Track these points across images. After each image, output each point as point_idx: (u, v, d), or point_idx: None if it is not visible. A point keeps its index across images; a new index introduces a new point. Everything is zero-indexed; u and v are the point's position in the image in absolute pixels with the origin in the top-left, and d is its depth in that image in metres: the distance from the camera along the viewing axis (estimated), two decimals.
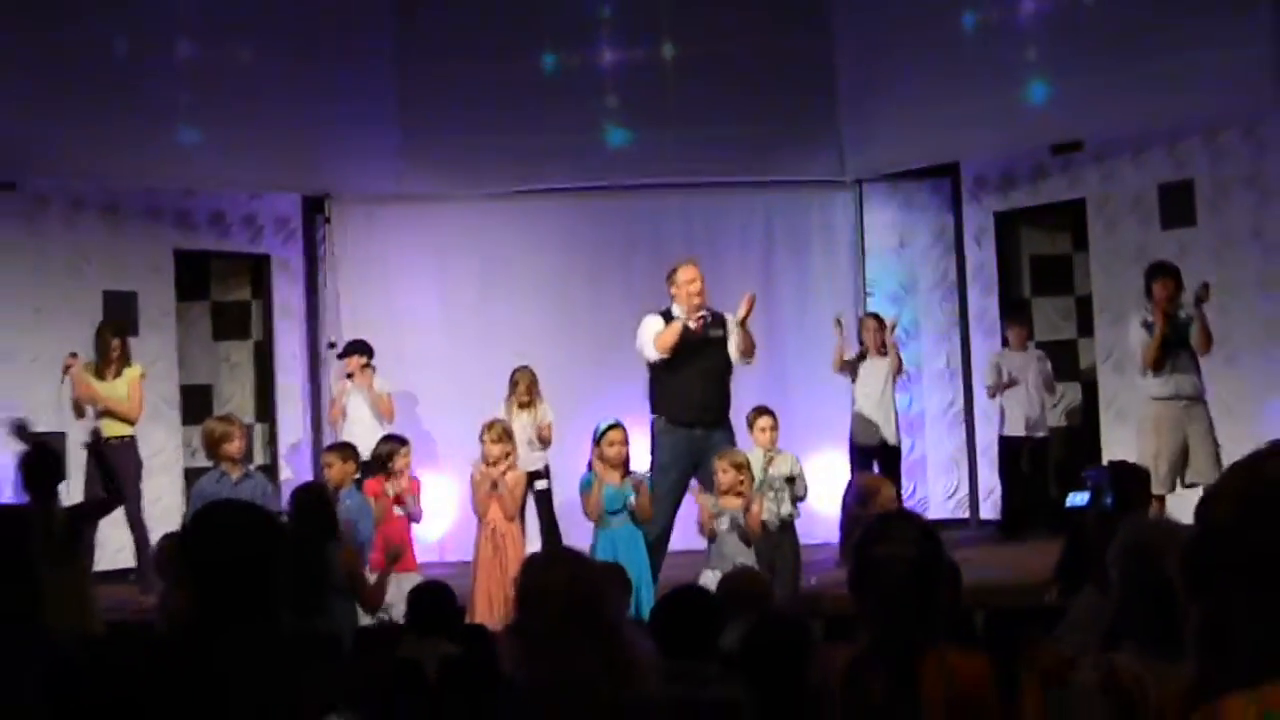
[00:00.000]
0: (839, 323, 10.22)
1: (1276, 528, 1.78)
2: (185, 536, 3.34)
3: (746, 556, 7.38)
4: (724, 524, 7.54)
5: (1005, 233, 11.52)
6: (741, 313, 8.32)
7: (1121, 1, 9.90)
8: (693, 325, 8.40)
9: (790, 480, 8.19)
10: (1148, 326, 8.71)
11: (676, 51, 11.19)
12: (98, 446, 7.68)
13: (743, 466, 7.58)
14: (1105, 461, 9.50)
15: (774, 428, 8.41)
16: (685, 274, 8.53)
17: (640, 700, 2.85)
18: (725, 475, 7.52)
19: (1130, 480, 7.90)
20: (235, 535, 3.11)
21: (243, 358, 11.71)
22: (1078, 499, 7.85)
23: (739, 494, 7.53)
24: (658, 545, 7.99)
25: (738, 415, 8.66)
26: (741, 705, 3.72)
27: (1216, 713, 1.75)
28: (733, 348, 8.49)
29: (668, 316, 8.53)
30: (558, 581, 2.87)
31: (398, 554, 7.50)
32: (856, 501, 5.99)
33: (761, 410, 8.56)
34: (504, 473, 8.00)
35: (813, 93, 11.29)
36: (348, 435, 9.33)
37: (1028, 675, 3.38)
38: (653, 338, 8.48)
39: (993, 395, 10.79)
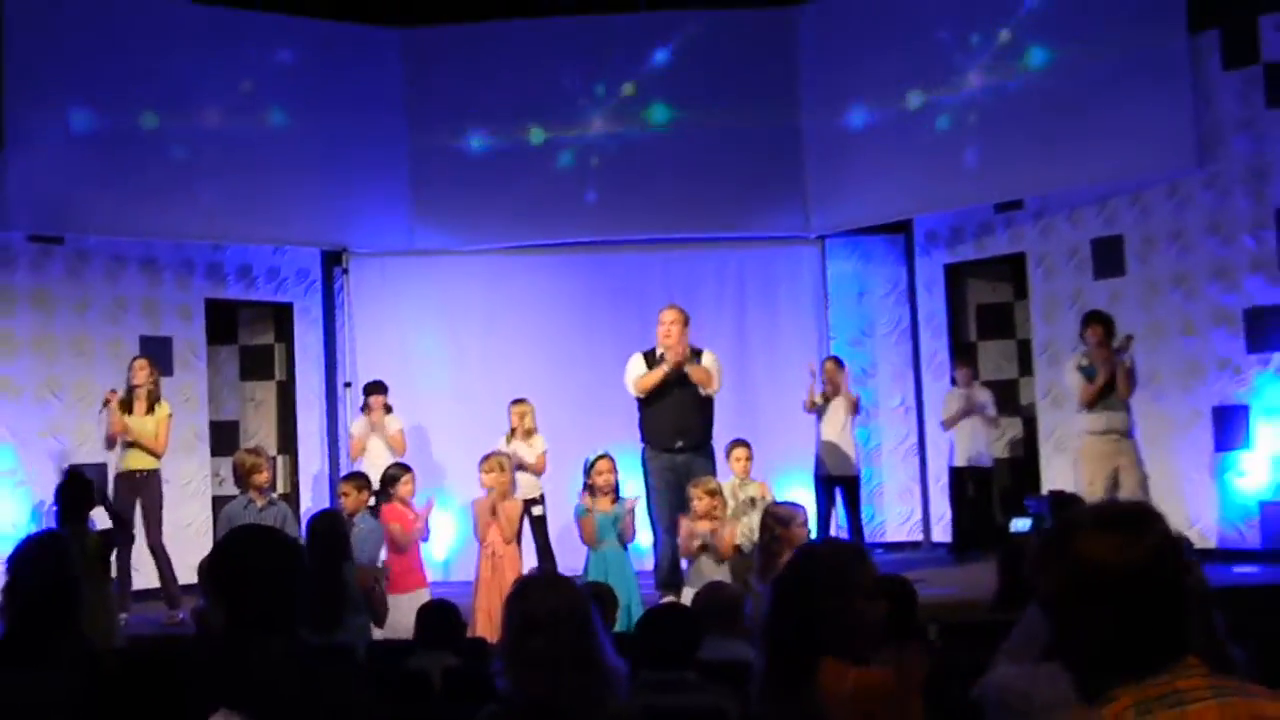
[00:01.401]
0: (811, 369, 10.21)
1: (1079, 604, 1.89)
2: (215, 557, 3.34)
3: (721, 575, 7.33)
4: (700, 546, 7.50)
5: (954, 283, 11.53)
6: (670, 362, 8.38)
7: (1056, 76, 9.97)
8: (669, 366, 8.43)
9: (753, 502, 8.12)
10: (1083, 369, 8.72)
11: (661, 124, 11.26)
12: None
13: (715, 493, 7.55)
14: (1045, 491, 9.51)
15: (748, 458, 8.40)
16: (663, 316, 8.62)
17: (620, 714, 2.81)
18: (700, 502, 7.49)
19: (1068, 508, 7.90)
20: (259, 556, 3.12)
21: (267, 396, 11.66)
22: (1020, 525, 7.84)
23: (713, 518, 7.51)
24: (675, 566, 7.92)
25: (717, 445, 8.66)
26: (724, 713, 3.68)
27: None
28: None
29: (651, 355, 8.58)
30: (552, 607, 2.84)
31: (382, 575, 7.46)
32: (778, 525, 5.98)
33: (738, 442, 8.56)
34: (502, 498, 7.96)
35: (781, 159, 11.32)
36: (365, 467, 9.27)
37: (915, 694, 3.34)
38: (634, 379, 8.55)
39: (948, 427, 10.77)
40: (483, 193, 11.24)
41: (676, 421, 8.46)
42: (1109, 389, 8.61)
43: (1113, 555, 1.87)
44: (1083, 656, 1.90)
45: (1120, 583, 1.86)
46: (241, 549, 3.24)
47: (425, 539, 8.10)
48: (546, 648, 2.75)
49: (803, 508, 6.32)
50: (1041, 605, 1.94)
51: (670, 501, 8.14)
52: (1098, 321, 8.75)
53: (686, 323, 8.57)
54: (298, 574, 3.26)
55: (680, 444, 8.42)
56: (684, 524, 7.59)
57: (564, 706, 2.74)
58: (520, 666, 2.82)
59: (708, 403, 8.60)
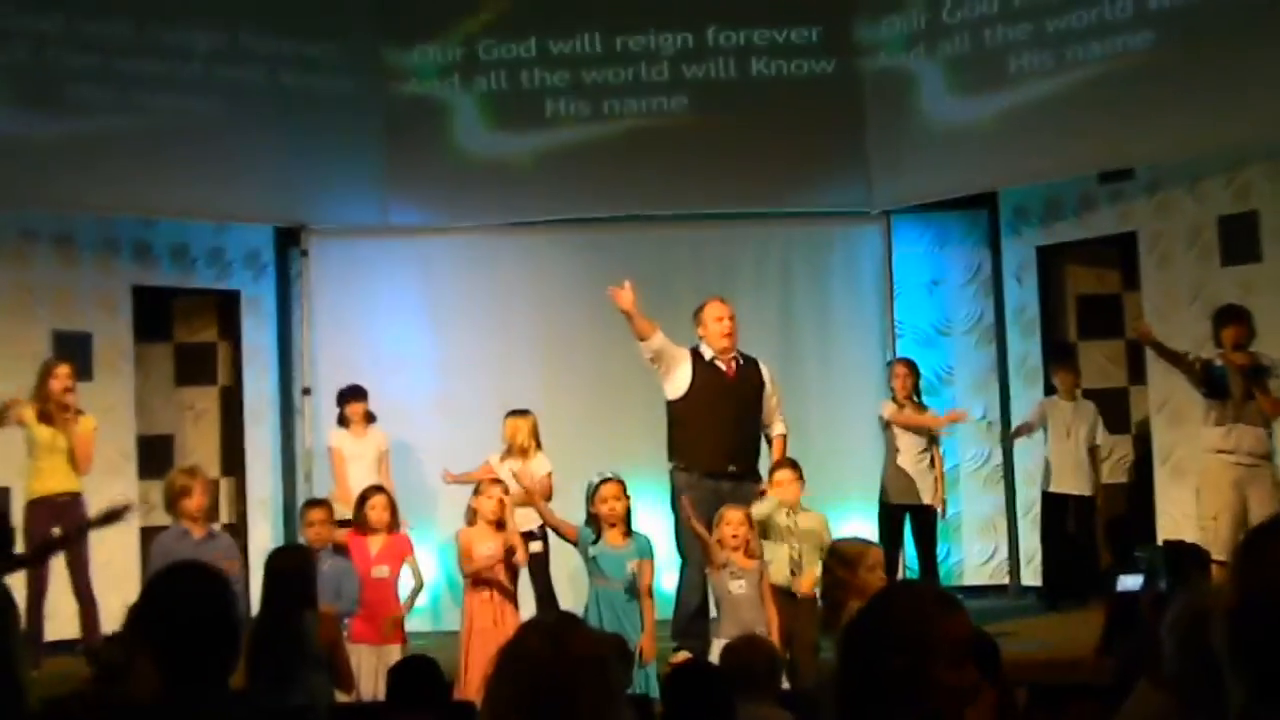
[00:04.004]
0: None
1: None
2: (144, 600, 3.42)
3: (762, 624, 7.38)
4: (740, 587, 7.55)
5: (1049, 269, 11.56)
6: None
7: (1176, 16, 9.96)
8: (722, 366, 8.51)
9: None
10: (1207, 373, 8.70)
11: (691, 76, 11.36)
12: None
13: (746, 521, 7.62)
14: (1161, 540, 9.50)
15: (796, 480, 8.30)
16: (713, 311, 8.71)
17: None
18: (727, 528, 7.56)
19: (1188, 561, 7.89)
20: (196, 601, 3.20)
21: (208, 405, 11.71)
22: (1130, 582, 7.82)
23: (750, 554, 7.56)
24: (700, 611, 7.97)
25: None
26: None
27: None
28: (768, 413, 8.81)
29: (698, 356, 8.71)
30: (529, 652, 2.83)
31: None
32: (841, 567, 5.99)
33: (782, 462, 8.55)
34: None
35: (837, 115, 11.37)
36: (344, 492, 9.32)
37: None
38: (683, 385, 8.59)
39: (1016, 437, 10.90)
40: (471, 158, 11.31)
41: (733, 441, 8.49)
42: (1248, 398, 8.58)
43: None
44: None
45: None
46: (175, 591, 3.34)
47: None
48: (529, 698, 2.75)
49: (876, 545, 6.35)
50: (1230, 619, 1.94)
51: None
52: (1237, 320, 8.69)
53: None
54: (237, 622, 3.38)
55: (734, 468, 8.45)
56: (716, 558, 7.64)
57: None
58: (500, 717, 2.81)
59: (759, 421, 8.70)
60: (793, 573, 7.96)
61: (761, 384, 8.83)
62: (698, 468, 8.50)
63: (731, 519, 7.63)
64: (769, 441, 8.92)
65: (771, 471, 8.51)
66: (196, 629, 3.24)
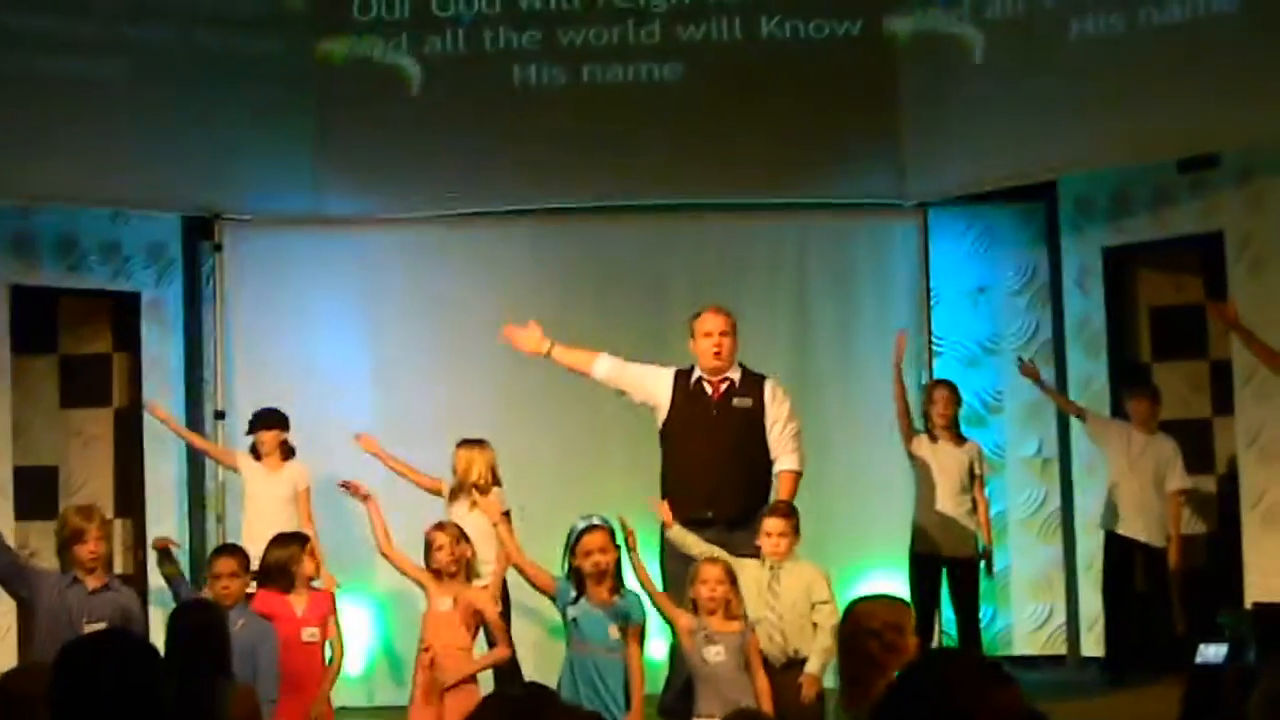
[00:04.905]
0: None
1: None
2: (59, 674, 3.46)
3: (750, 698, 7.41)
4: (717, 654, 7.58)
5: (1117, 275, 11.63)
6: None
7: None
8: (708, 389, 8.63)
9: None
10: None
11: (688, 38, 11.41)
12: None
13: (726, 579, 7.64)
14: (1249, 603, 9.54)
15: (788, 533, 8.12)
16: (703, 324, 8.75)
17: None
18: (704, 587, 7.58)
19: None
20: (114, 671, 3.24)
21: (100, 430, 11.76)
22: (1211, 653, 7.89)
23: (731, 615, 7.60)
24: (686, 689, 8.01)
25: None
26: None
27: None
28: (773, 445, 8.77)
29: (684, 377, 8.78)
30: None
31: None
32: (891, 631, 6.03)
33: (773, 508, 8.40)
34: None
35: (864, 86, 11.44)
36: (246, 539, 9.31)
37: None
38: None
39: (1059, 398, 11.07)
40: (421, 135, 11.34)
41: (715, 481, 8.49)
42: None
43: None
44: None
45: None
46: (90, 661, 3.37)
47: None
48: None
49: (907, 604, 6.40)
50: None
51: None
52: None
53: (736, 331, 8.78)
54: (159, 693, 3.41)
55: (712, 514, 8.46)
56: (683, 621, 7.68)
57: None
58: None
59: (763, 457, 8.71)
60: (771, 639, 7.95)
61: (759, 409, 8.79)
62: (677, 512, 8.37)
63: (708, 576, 7.60)
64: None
65: (761, 518, 8.32)
66: (119, 707, 3.27)
